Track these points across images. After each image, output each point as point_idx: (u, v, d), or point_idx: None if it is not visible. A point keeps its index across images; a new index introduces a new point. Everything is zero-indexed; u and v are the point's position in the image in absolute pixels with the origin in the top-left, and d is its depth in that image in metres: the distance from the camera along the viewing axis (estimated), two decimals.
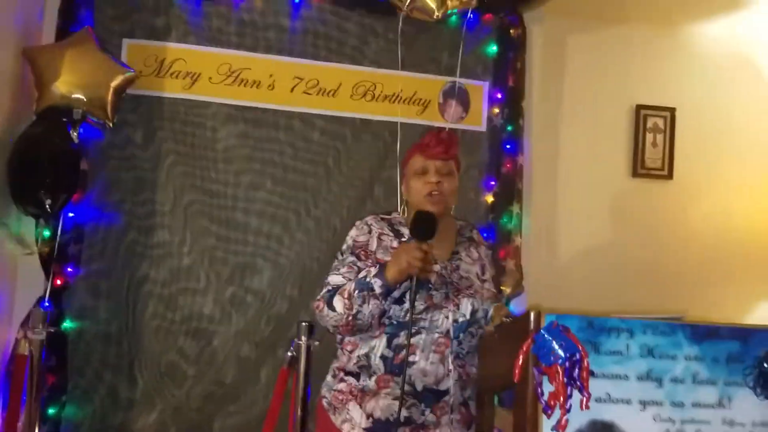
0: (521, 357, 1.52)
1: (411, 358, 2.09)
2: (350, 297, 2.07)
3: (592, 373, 1.53)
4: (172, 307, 3.06)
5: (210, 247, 3.11)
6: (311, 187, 3.22)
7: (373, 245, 2.20)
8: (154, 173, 3.07)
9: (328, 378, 2.25)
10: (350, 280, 2.13)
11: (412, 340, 2.09)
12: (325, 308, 2.12)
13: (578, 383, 1.49)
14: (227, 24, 3.16)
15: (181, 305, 3.07)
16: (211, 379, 3.07)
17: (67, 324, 2.94)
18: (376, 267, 2.10)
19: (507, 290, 3.26)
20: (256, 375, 3.10)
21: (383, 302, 2.07)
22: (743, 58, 3.86)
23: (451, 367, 2.11)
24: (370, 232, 2.23)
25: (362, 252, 2.19)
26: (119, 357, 3.01)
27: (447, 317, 2.13)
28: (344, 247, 2.24)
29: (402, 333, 2.09)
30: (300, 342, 2.29)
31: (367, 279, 2.07)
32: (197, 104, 3.12)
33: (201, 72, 3.12)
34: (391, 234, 2.22)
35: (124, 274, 3.03)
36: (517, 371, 1.53)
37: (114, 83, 2.84)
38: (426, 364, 2.10)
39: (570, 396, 1.49)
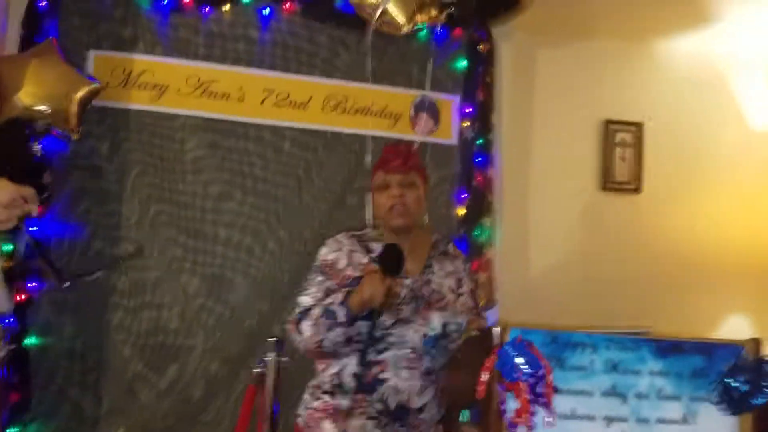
0: (485, 373, 1.51)
1: (382, 376, 2.09)
2: (316, 323, 2.08)
3: (556, 389, 1.52)
4: (138, 321, 3.01)
5: (178, 258, 3.06)
6: (282, 198, 3.20)
7: (343, 263, 2.20)
8: (119, 185, 3.02)
9: (305, 396, 2.25)
10: (318, 300, 2.14)
11: (382, 357, 2.09)
12: (296, 331, 2.14)
13: (542, 400, 1.48)
14: (196, 35, 3.13)
15: (147, 319, 3.01)
16: (178, 395, 3.02)
17: (30, 340, 2.87)
18: (342, 292, 2.10)
19: (480, 303, 3.25)
20: (225, 392, 3.05)
21: (348, 329, 2.06)
22: (710, 73, 3.92)
23: (419, 383, 2.10)
24: (340, 249, 2.23)
25: (330, 271, 2.19)
26: (84, 373, 2.95)
27: (416, 332, 2.11)
28: (314, 265, 2.25)
29: (371, 350, 2.08)
30: (269, 358, 2.25)
31: (333, 306, 2.07)
32: (165, 116, 3.08)
33: (169, 84, 3.08)
34: (361, 251, 2.22)
35: (89, 288, 2.98)
36: (481, 388, 1.52)
37: (79, 95, 2.79)
38: (398, 380, 2.09)
39: (534, 413, 1.48)
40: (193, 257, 3.08)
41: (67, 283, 2.00)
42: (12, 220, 1.67)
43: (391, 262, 2.01)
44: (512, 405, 1.49)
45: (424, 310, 2.14)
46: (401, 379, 2.09)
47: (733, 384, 1.60)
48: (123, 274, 3.00)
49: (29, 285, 2.85)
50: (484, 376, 1.50)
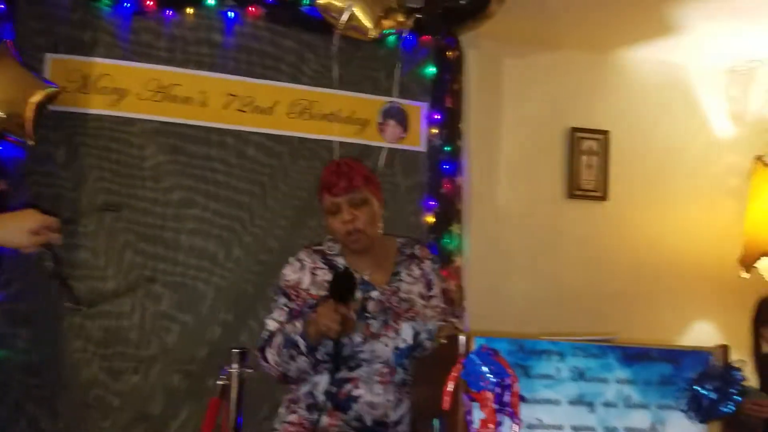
0: (450, 383, 1.47)
1: (355, 393, 2.06)
2: (279, 353, 2.05)
3: (522, 398, 1.49)
4: (96, 333, 2.92)
5: (137, 267, 2.98)
6: (246, 205, 3.13)
7: (306, 282, 2.15)
8: (76, 192, 2.94)
9: (281, 410, 2.20)
10: (282, 323, 2.11)
11: (353, 374, 2.06)
12: (262, 359, 2.12)
13: (509, 409, 1.45)
14: (157, 39, 3.06)
15: (104, 330, 2.92)
16: (137, 410, 2.93)
17: None
18: (301, 321, 2.05)
19: (455, 304, 3.23)
20: (186, 405, 2.97)
21: (310, 358, 2.03)
22: (675, 81, 3.97)
23: (390, 397, 2.06)
24: (302, 267, 2.18)
25: (292, 292, 2.15)
26: (40, 387, 2.85)
27: (386, 345, 2.08)
28: (278, 285, 2.21)
29: (343, 367, 2.04)
30: (232, 370, 2.19)
31: (293, 336, 2.03)
32: (124, 121, 3.01)
33: (128, 88, 3.01)
34: (324, 267, 2.17)
35: (45, 298, 2.88)
36: (446, 398, 1.48)
37: (34, 99, 2.71)
38: (371, 396, 2.05)
39: (501, 423, 1.45)
40: (153, 265, 3.00)
41: (83, 308, 2.02)
42: (34, 247, 1.77)
43: (341, 289, 1.95)
44: (478, 415, 1.46)
45: (394, 322, 2.10)
46: (375, 395, 2.06)
47: (701, 391, 1.59)
48: (77, 282, 2.91)
49: None
50: (450, 386, 1.46)
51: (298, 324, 2.05)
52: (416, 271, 2.23)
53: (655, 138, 3.90)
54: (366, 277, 2.14)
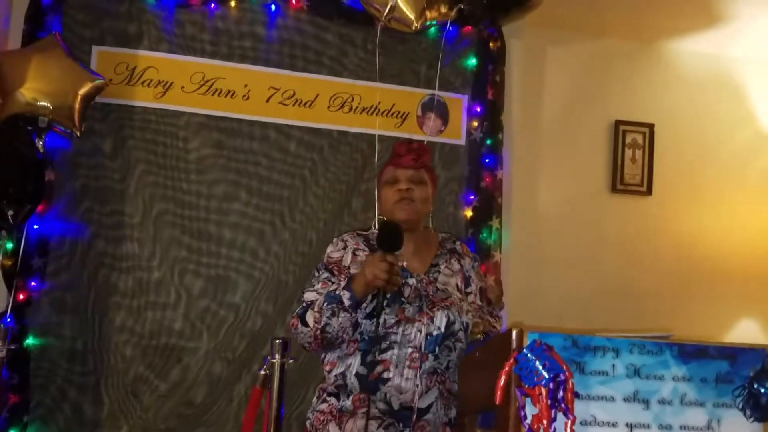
0: (503, 377, 1.45)
1: (385, 375, 2.06)
2: (320, 310, 2.05)
3: (576, 395, 1.46)
4: (140, 322, 2.96)
5: (181, 259, 3.01)
6: (287, 199, 3.14)
7: (347, 260, 2.18)
8: (122, 183, 2.98)
9: (314, 399, 2.22)
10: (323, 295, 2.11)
11: (385, 356, 2.06)
12: (299, 324, 2.10)
13: (563, 405, 1.43)
14: (201, 32, 3.08)
15: (150, 320, 2.96)
16: (180, 398, 2.96)
17: (30, 340, 2.83)
18: (345, 279, 2.08)
19: (494, 303, 3.20)
20: (228, 394, 3.00)
21: (353, 314, 2.03)
22: (722, 74, 3.88)
23: (418, 382, 2.05)
24: (345, 248, 2.21)
25: (335, 268, 2.17)
26: (84, 375, 2.90)
27: (420, 331, 2.08)
28: (321, 262, 2.23)
29: (374, 349, 2.05)
30: (274, 360, 2.20)
31: (337, 292, 2.05)
32: (169, 113, 3.04)
33: (173, 81, 3.03)
34: (366, 249, 2.20)
35: (91, 288, 2.93)
36: (499, 393, 1.46)
37: (82, 91, 2.74)
38: (401, 380, 2.05)
39: (554, 419, 1.43)
40: (197, 258, 3.03)
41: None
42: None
43: (388, 238, 2.00)
44: (531, 411, 1.44)
45: (429, 309, 2.10)
46: (404, 379, 2.06)
47: (759, 389, 1.55)
48: (124, 273, 2.95)
49: (30, 284, 2.80)
50: (502, 381, 1.44)
51: (343, 282, 2.08)
52: (455, 266, 2.24)
53: (701, 131, 3.82)
54: (404, 264, 2.15)
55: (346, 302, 2.02)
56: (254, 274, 3.08)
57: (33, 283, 2.82)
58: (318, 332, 2.06)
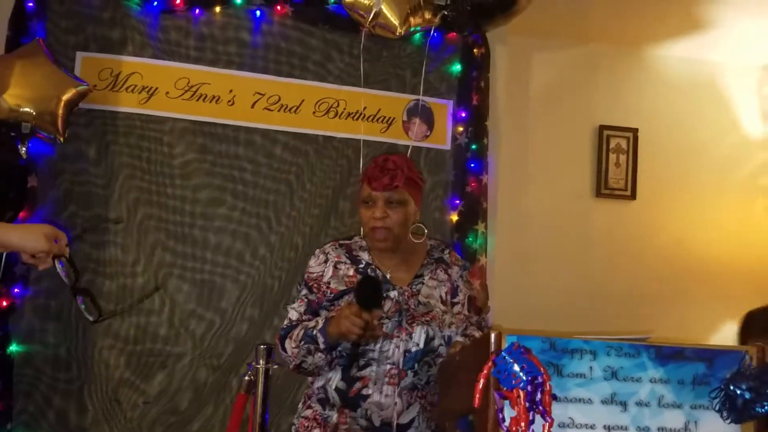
0: (482, 380, 1.46)
1: (364, 391, 2.05)
2: (298, 345, 2.06)
3: (554, 397, 1.47)
4: (124, 328, 2.94)
5: (166, 264, 3.00)
6: (273, 203, 3.15)
7: (328, 275, 2.15)
8: (106, 189, 2.98)
9: (300, 404, 2.22)
10: (302, 315, 2.12)
11: (364, 372, 2.05)
12: (280, 347, 2.13)
13: (541, 408, 1.43)
14: (186, 37, 3.08)
15: (134, 326, 2.95)
16: (165, 405, 2.95)
17: (13, 347, 2.82)
18: (323, 318, 2.06)
19: (481, 313, 3.21)
20: (214, 400, 2.99)
21: (327, 356, 2.04)
22: (705, 79, 3.91)
23: (397, 399, 2.04)
24: (326, 261, 2.17)
25: (315, 285, 2.16)
26: (69, 381, 2.90)
27: (398, 347, 2.06)
28: (302, 277, 2.22)
29: (354, 364, 2.05)
30: (258, 366, 2.20)
31: (314, 332, 2.04)
32: (153, 119, 3.04)
33: (158, 86, 3.03)
34: (348, 261, 2.16)
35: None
36: (477, 395, 1.47)
37: (65, 97, 2.74)
38: (380, 397, 2.04)
39: (532, 421, 1.43)
40: (182, 263, 3.02)
41: (101, 318, 2.05)
42: (48, 255, 1.79)
43: (367, 296, 1.94)
44: (510, 413, 1.44)
45: (408, 325, 2.08)
46: (383, 396, 2.04)
47: (736, 391, 1.56)
48: (108, 279, 2.94)
49: (13, 291, 2.79)
50: (481, 384, 1.45)
51: (320, 320, 2.05)
52: (441, 275, 2.19)
53: (685, 136, 3.85)
54: (387, 275, 2.13)
55: (321, 345, 2.02)
56: (240, 279, 3.08)
57: (16, 290, 2.82)
58: (293, 366, 2.10)
